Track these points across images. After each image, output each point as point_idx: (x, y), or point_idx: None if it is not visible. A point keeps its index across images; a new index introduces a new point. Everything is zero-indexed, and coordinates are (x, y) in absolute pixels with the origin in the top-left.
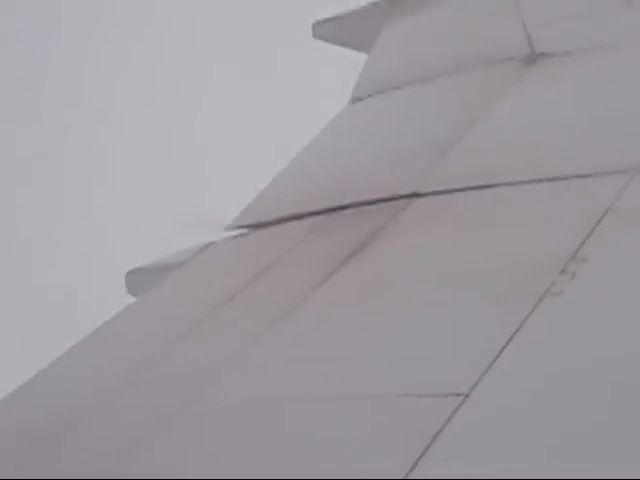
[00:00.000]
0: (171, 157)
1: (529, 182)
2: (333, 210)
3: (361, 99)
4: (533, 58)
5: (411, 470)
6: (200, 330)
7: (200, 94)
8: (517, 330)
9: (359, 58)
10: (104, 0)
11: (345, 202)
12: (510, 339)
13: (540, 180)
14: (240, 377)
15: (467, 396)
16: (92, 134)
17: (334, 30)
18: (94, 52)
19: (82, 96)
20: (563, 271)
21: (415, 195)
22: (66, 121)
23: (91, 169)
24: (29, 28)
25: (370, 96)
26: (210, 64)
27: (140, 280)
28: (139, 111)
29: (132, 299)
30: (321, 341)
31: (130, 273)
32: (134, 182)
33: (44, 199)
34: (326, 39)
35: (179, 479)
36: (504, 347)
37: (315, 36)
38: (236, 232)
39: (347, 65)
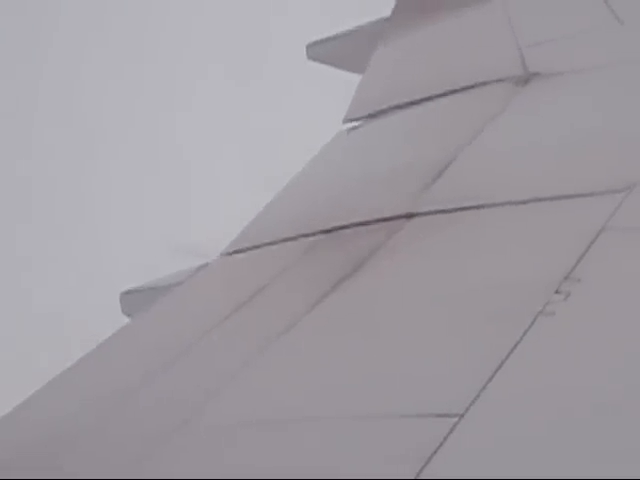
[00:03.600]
0: (161, 186)
1: (523, 202)
2: (327, 231)
3: (355, 120)
4: (526, 78)
5: None
6: (193, 353)
7: (191, 120)
8: (512, 350)
9: (353, 79)
10: (92, 19)
11: (339, 223)
12: (505, 359)
13: (533, 200)
14: (233, 400)
15: (462, 417)
16: (86, 160)
17: (328, 51)
18: (84, 81)
19: (75, 123)
20: (557, 291)
21: (409, 215)
22: (59, 145)
23: (81, 199)
24: (14, 46)
25: (364, 117)
26: (201, 88)
27: (134, 301)
28: (132, 140)
29: (126, 320)
30: (315, 363)
31: (124, 294)
32: (123, 212)
33: (35, 227)
34: (320, 60)
35: None
36: (499, 367)
37: (309, 57)
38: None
39: (341, 86)
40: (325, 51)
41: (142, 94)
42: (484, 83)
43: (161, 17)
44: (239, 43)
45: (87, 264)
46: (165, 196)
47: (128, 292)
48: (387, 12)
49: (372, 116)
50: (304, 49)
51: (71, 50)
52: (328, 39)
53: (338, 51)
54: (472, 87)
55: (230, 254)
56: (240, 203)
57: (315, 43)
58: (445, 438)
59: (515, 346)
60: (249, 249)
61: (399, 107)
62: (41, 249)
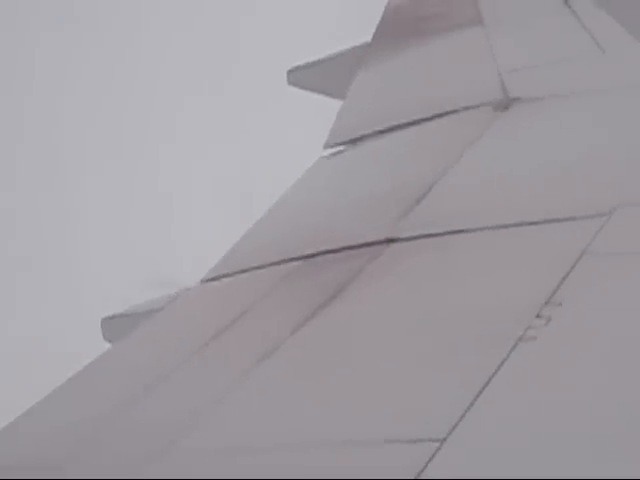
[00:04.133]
0: (138, 218)
1: (503, 227)
2: (307, 257)
3: (336, 146)
4: (506, 103)
5: None
6: (174, 378)
7: (168, 150)
8: (493, 375)
9: (334, 105)
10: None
11: (319, 249)
12: (486, 384)
13: (514, 225)
14: (214, 426)
15: (444, 441)
16: (63, 190)
17: (309, 77)
18: (63, 110)
19: (54, 153)
20: (539, 315)
21: (389, 241)
22: (40, 175)
23: (60, 226)
24: None
25: (345, 143)
26: (179, 116)
27: (116, 327)
28: (109, 171)
29: (108, 345)
30: (296, 389)
31: (106, 320)
32: (98, 246)
33: (15, 255)
34: (301, 86)
35: None
36: (480, 392)
37: (290, 83)
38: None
39: (322, 112)
40: (305, 77)
41: (119, 124)
42: (464, 108)
43: (140, 38)
44: (218, 70)
45: (67, 291)
46: (142, 229)
47: (109, 318)
48: (367, 38)
49: (353, 141)
50: (284, 75)
51: (48, 80)
52: (308, 65)
53: (319, 77)
54: (452, 112)
55: (211, 280)
56: (218, 233)
57: (295, 69)
58: (427, 463)
59: (496, 371)
60: (230, 275)
61: (380, 132)
62: (21, 274)
